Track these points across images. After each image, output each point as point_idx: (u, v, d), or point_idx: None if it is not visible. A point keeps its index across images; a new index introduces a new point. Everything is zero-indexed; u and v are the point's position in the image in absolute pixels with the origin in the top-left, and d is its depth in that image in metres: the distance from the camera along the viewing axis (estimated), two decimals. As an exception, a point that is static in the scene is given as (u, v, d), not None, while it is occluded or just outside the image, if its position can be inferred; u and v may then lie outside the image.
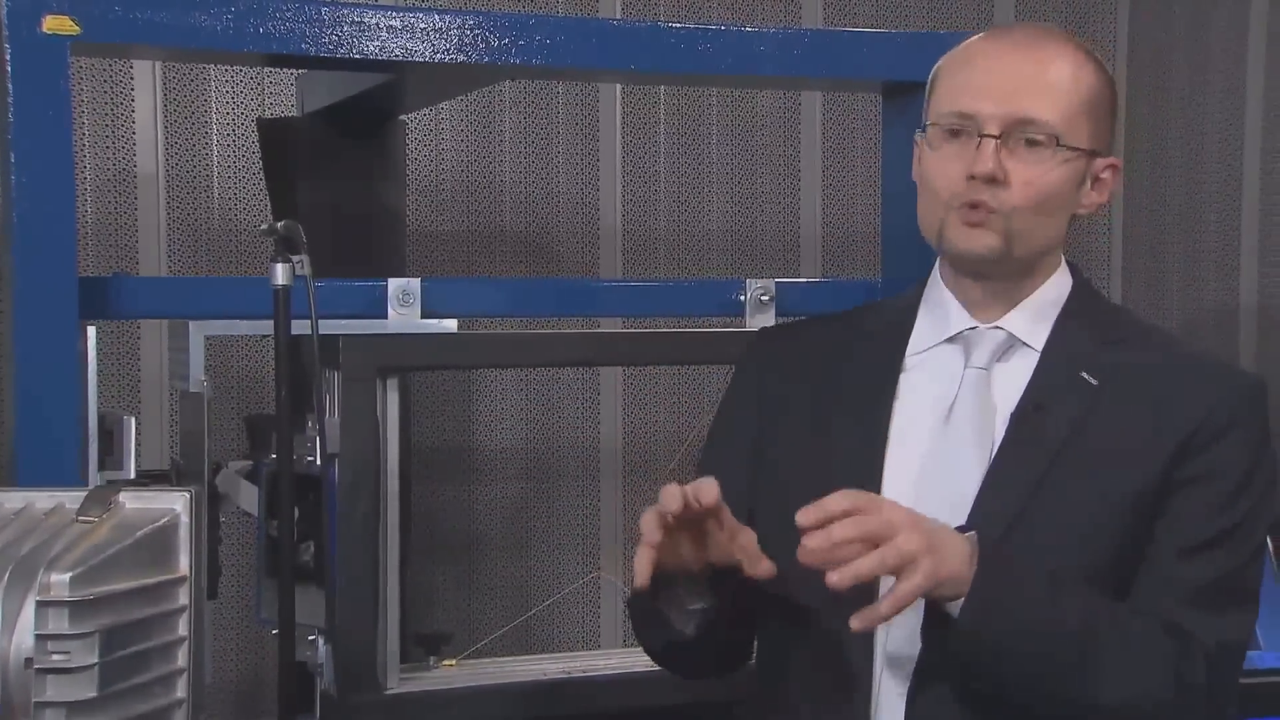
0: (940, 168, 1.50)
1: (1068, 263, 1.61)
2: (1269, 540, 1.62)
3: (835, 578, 1.34)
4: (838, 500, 1.35)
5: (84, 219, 3.06)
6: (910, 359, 1.57)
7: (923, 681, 1.46)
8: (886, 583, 1.40)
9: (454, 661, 2.41)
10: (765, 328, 1.84)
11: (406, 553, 2.41)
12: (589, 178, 3.48)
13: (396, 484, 2.27)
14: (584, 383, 3.48)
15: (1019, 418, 1.49)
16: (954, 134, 1.50)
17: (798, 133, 3.60)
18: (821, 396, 1.58)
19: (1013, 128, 1.48)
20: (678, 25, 2.36)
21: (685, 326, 2.73)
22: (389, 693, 2.25)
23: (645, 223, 3.52)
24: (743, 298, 2.45)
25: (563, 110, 3.46)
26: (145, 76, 3.17)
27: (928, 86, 1.57)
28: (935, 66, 1.57)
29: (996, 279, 1.54)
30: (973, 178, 1.47)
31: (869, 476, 1.50)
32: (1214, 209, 3.48)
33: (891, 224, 2.50)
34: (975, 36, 1.58)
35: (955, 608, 1.39)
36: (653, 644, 1.62)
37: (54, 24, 1.98)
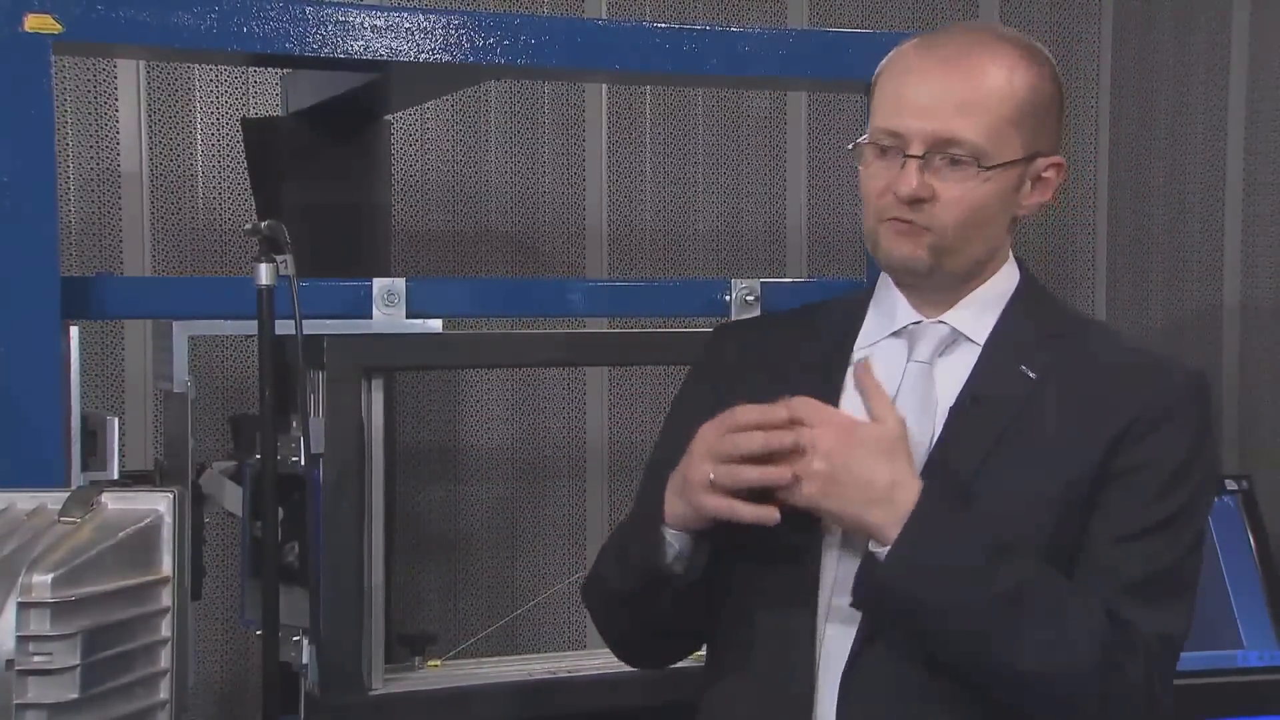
0: (872, 182, 1.53)
1: (1016, 258, 1.61)
2: (1251, 541, 1.63)
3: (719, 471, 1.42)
4: (778, 410, 1.43)
5: (67, 219, 3.05)
6: (857, 353, 1.58)
7: (869, 637, 1.48)
8: (831, 542, 1.47)
9: (439, 662, 2.40)
10: (721, 324, 1.85)
11: (391, 553, 2.41)
12: (574, 177, 3.48)
13: (381, 484, 2.27)
14: (570, 383, 3.47)
15: (957, 411, 1.51)
16: (883, 151, 1.51)
17: (783, 133, 3.61)
18: (772, 391, 1.58)
19: (936, 147, 1.48)
20: (663, 25, 2.36)
21: (671, 326, 2.73)
22: (374, 693, 2.24)
23: (631, 222, 3.52)
24: (728, 297, 2.45)
25: (548, 110, 3.46)
26: (129, 76, 3.15)
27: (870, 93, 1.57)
28: (875, 72, 1.57)
29: (935, 285, 1.55)
30: (899, 197, 1.49)
31: None
32: (1197, 210, 3.49)
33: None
34: (909, 42, 1.56)
35: (881, 555, 1.42)
36: (622, 624, 1.64)
37: (36, 23, 1.97)
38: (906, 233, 1.50)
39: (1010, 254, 1.60)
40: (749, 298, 2.44)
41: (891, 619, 1.46)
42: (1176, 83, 3.55)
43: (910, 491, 1.42)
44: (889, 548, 1.42)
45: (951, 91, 1.48)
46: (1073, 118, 3.79)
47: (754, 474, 1.43)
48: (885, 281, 1.61)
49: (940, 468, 1.48)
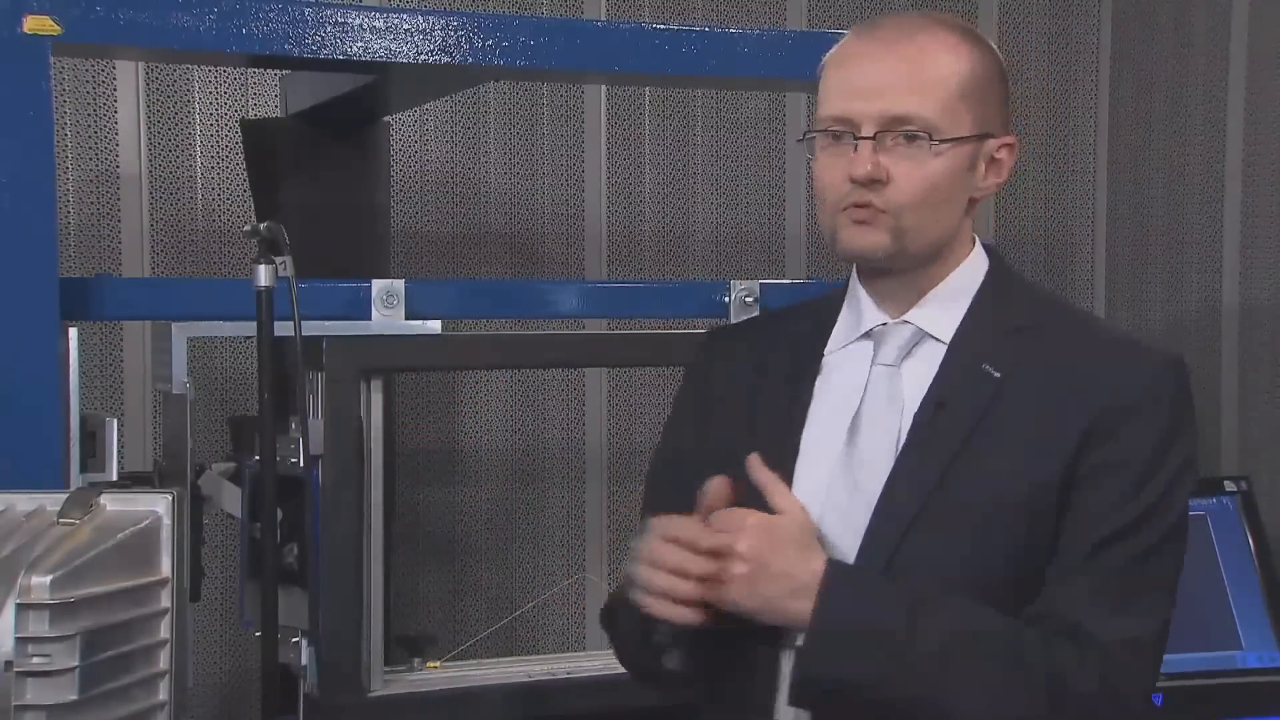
0: (825, 173, 1.52)
1: (985, 246, 1.59)
2: (1249, 542, 1.61)
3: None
4: (701, 535, 1.42)
5: (66, 220, 3.05)
6: (828, 357, 1.58)
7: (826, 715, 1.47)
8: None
9: (438, 663, 2.40)
10: (714, 328, 1.84)
11: (390, 555, 2.41)
12: (573, 179, 3.48)
13: (380, 486, 2.27)
14: (569, 384, 3.47)
15: (920, 416, 1.49)
16: (835, 137, 1.51)
17: (782, 134, 3.61)
18: (750, 396, 1.59)
19: (888, 126, 1.48)
20: (661, 26, 2.37)
21: (670, 328, 2.73)
22: (372, 695, 2.24)
23: (630, 224, 3.52)
24: (727, 299, 2.45)
25: (547, 111, 3.46)
26: (128, 77, 3.16)
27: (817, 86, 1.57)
28: (819, 65, 1.57)
29: (899, 273, 1.54)
30: (855, 180, 1.48)
31: (778, 472, 1.51)
32: (1196, 211, 3.49)
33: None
34: (850, 33, 1.56)
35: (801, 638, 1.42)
36: (642, 660, 1.60)
37: (35, 24, 1.98)
38: (865, 219, 1.49)
39: (976, 242, 1.58)
40: (748, 299, 2.44)
41: (828, 702, 1.44)
42: (1175, 83, 3.55)
43: (801, 572, 1.42)
44: (804, 631, 1.42)
45: (898, 71, 1.48)
46: (1071, 118, 3.80)
47: (664, 582, 1.43)
48: (855, 281, 1.60)
49: (902, 478, 1.47)
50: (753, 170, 3.60)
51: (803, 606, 1.41)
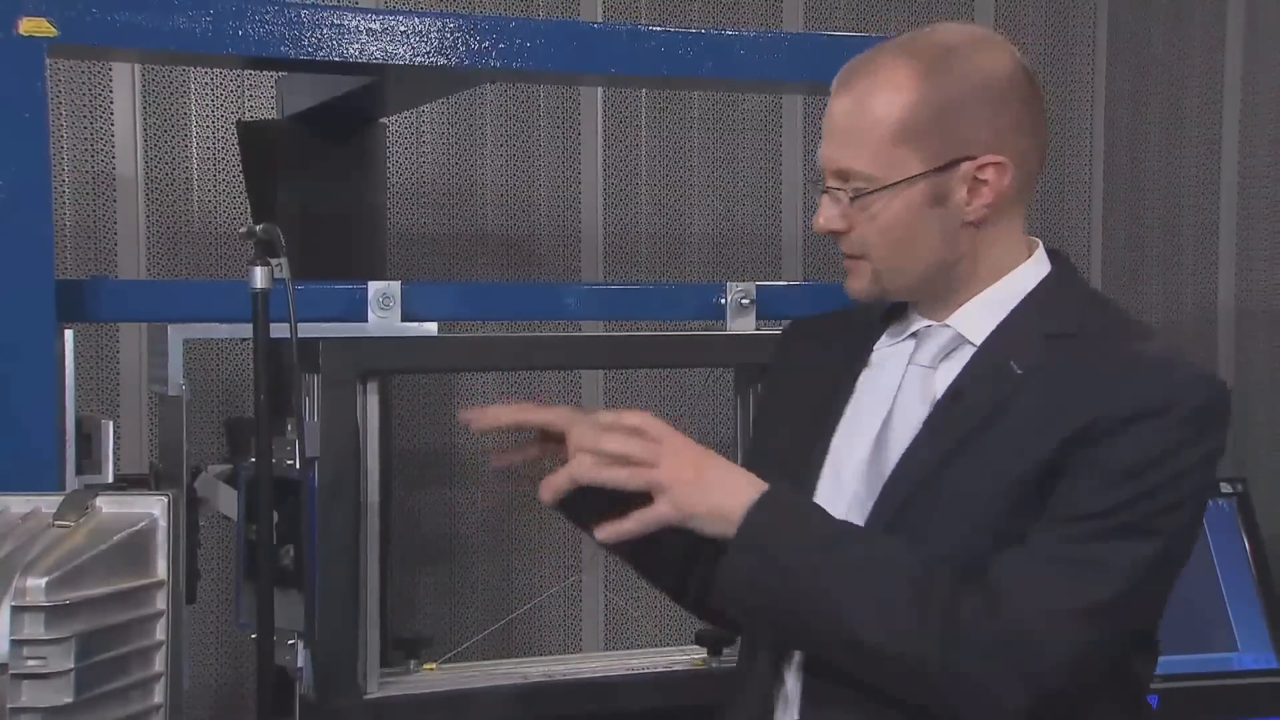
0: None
1: (1050, 253, 1.58)
2: (1245, 543, 1.58)
3: (553, 483, 1.48)
4: (630, 417, 1.46)
5: (62, 221, 3.05)
6: (876, 353, 1.60)
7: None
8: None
9: (435, 665, 2.40)
10: (793, 321, 1.85)
11: (387, 556, 2.41)
12: (570, 181, 3.48)
13: (377, 488, 2.27)
14: (565, 386, 3.47)
15: (938, 405, 1.51)
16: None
17: (779, 135, 3.61)
18: (803, 390, 1.63)
19: (838, 178, 1.51)
20: (657, 28, 2.36)
21: (666, 330, 2.73)
22: (369, 697, 2.24)
23: (626, 225, 3.52)
24: (723, 301, 2.45)
25: (543, 113, 3.46)
26: (124, 79, 3.15)
27: None
28: None
29: (925, 298, 1.56)
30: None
31: (809, 468, 1.55)
32: (1192, 213, 3.50)
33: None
34: None
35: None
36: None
37: (30, 26, 1.97)
38: (852, 268, 1.54)
39: (1036, 250, 1.57)
40: (744, 301, 2.44)
41: (751, 606, 1.47)
42: (1171, 86, 3.56)
43: (738, 484, 1.47)
44: (745, 514, 1.45)
45: (840, 122, 1.51)
46: (1067, 121, 3.80)
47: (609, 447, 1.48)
48: None
49: (911, 458, 1.49)
50: (749, 172, 3.60)
51: (738, 501, 1.45)
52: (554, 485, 1.50)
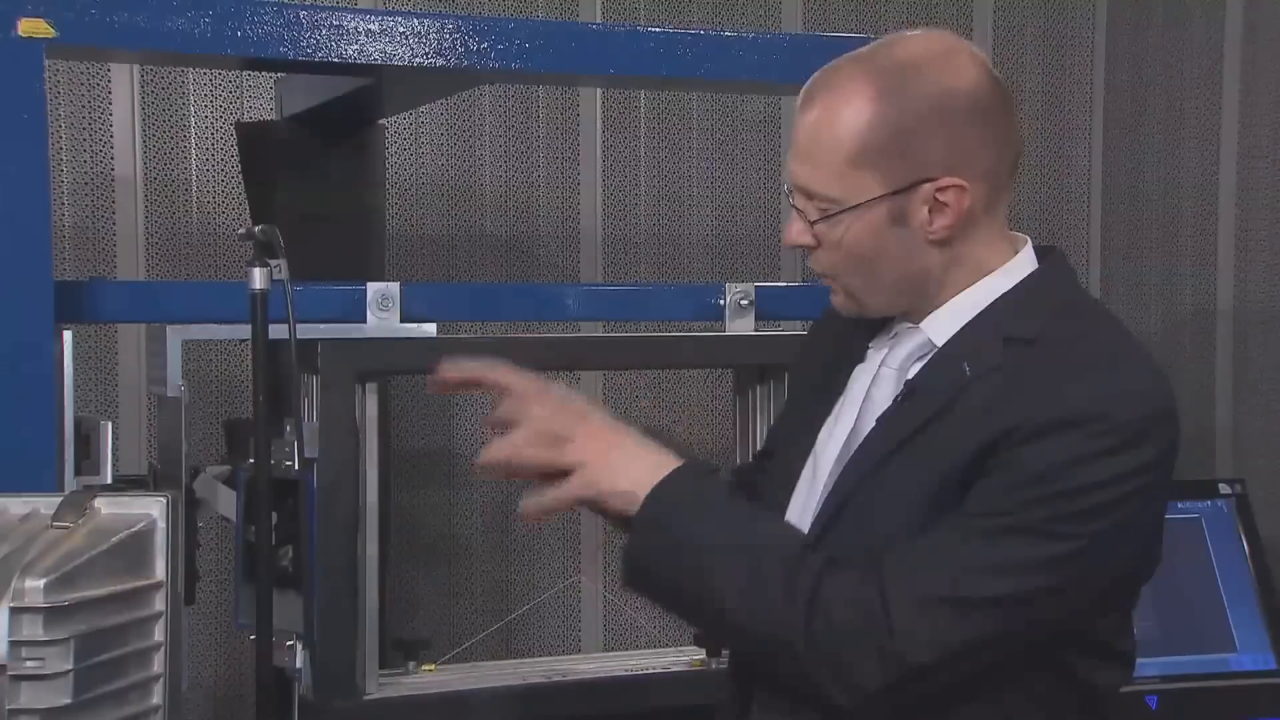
0: None
1: (1042, 250, 1.57)
2: (1244, 544, 1.55)
3: (485, 455, 1.53)
4: (551, 391, 1.52)
5: (61, 222, 3.05)
6: (869, 351, 1.60)
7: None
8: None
9: (433, 666, 2.40)
10: (826, 310, 1.84)
11: (386, 557, 2.41)
12: (569, 182, 3.48)
13: (375, 488, 2.27)
14: (564, 387, 3.47)
15: (893, 404, 1.51)
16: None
17: (778, 136, 3.61)
18: (811, 382, 1.65)
19: (802, 196, 1.51)
20: (656, 29, 2.37)
21: (665, 331, 2.73)
22: (368, 698, 2.24)
23: (625, 227, 3.52)
24: (722, 302, 2.45)
25: (543, 114, 3.46)
26: (123, 79, 3.15)
27: None
28: None
29: (901, 311, 1.56)
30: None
31: (797, 460, 1.58)
32: (1191, 215, 3.50)
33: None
34: None
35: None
36: None
37: (29, 27, 1.97)
38: (830, 284, 1.55)
39: (1021, 252, 1.55)
40: (743, 302, 2.44)
41: (646, 579, 1.49)
42: (1170, 88, 3.56)
43: (647, 463, 1.49)
44: (646, 495, 1.47)
45: (801, 139, 1.50)
46: (1066, 123, 3.80)
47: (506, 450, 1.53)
48: None
49: (859, 453, 1.51)
50: (748, 173, 3.60)
51: (644, 482, 1.47)
52: (486, 461, 1.54)
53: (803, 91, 1.52)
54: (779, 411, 1.99)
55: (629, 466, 1.49)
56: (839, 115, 1.47)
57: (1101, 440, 1.40)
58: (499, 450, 1.53)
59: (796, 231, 1.51)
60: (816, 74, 1.53)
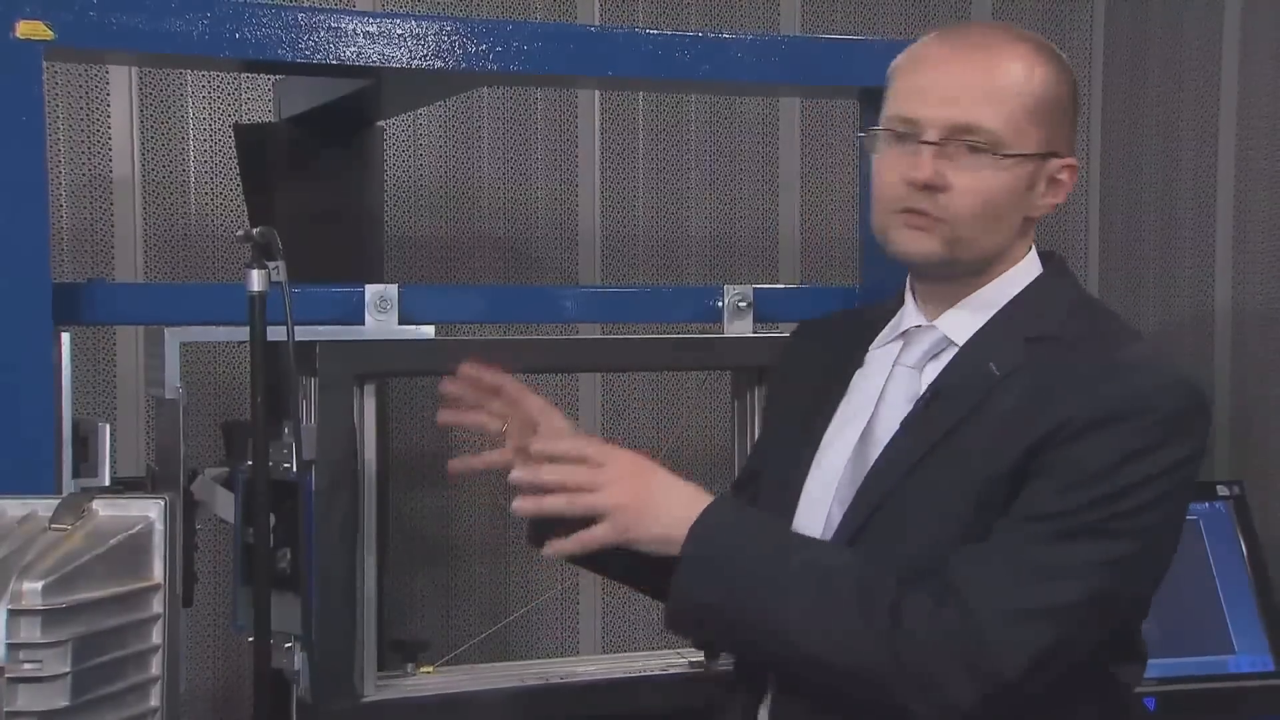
0: (884, 172, 1.52)
1: (1043, 255, 1.59)
2: (1242, 546, 1.57)
3: (518, 504, 1.52)
4: (568, 445, 1.50)
5: (59, 224, 3.05)
6: (870, 353, 1.60)
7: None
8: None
9: (432, 668, 2.40)
10: (802, 322, 1.85)
11: (384, 559, 2.41)
12: (567, 183, 3.48)
13: (374, 490, 2.27)
14: (562, 388, 3.47)
15: (917, 406, 1.51)
16: (898, 138, 1.50)
17: (776, 139, 3.61)
18: (802, 391, 1.63)
19: (954, 134, 1.48)
20: (654, 32, 2.37)
21: (663, 333, 2.73)
22: (366, 700, 2.24)
23: (624, 228, 3.52)
24: (721, 304, 2.45)
25: (541, 116, 3.46)
26: (121, 81, 3.15)
27: (885, 87, 1.57)
28: (890, 66, 1.57)
29: (945, 280, 1.54)
30: (912, 184, 1.48)
31: (798, 470, 1.56)
32: (1189, 215, 3.50)
33: (870, 230, 2.50)
34: (929, 35, 1.56)
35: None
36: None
37: (27, 29, 1.97)
38: (920, 226, 1.49)
39: (1030, 254, 1.58)
40: (741, 304, 2.44)
41: (698, 625, 1.49)
42: (1167, 88, 3.56)
43: (682, 503, 1.47)
44: (686, 537, 1.45)
45: (971, 80, 1.48)
46: (1065, 124, 3.80)
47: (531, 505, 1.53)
48: (909, 280, 1.62)
49: (887, 459, 1.49)
50: (747, 175, 3.60)
51: (679, 527, 1.45)
52: (520, 512, 1.54)
53: (957, 40, 1.51)
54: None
55: (662, 508, 1.46)
56: (1026, 68, 1.49)
57: (1151, 434, 1.42)
58: (534, 505, 1.52)
59: (933, 170, 1.47)
60: (962, 29, 1.54)
